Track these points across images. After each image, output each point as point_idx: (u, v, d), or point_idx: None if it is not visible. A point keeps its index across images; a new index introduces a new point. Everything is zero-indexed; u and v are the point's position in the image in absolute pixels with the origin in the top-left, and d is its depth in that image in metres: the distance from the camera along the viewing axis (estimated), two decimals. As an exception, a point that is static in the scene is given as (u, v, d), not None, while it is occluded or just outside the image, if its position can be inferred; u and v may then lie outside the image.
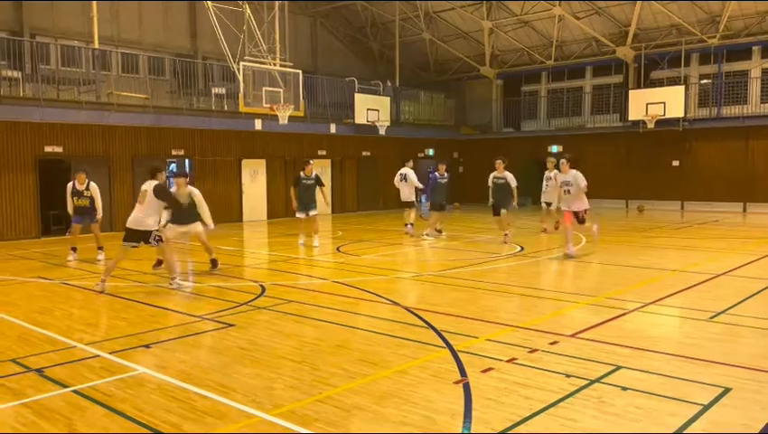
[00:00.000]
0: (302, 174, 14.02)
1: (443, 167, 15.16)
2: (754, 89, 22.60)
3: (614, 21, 23.88)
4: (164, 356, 5.77)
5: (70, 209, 12.05)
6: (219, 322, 7.06)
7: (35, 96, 16.15)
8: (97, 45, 17.13)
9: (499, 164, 13.99)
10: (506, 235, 13.82)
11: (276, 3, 18.10)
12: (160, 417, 4.33)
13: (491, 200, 14.19)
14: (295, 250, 13.47)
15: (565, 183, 11.68)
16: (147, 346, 6.09)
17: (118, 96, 17.37)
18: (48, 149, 16.36)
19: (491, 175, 14.18)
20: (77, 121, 16.54)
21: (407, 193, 15.58)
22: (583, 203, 11.70)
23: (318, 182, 14.11)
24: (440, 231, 15.28)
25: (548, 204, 15.53)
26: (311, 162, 14.35)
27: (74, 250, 12.09)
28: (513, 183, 13.89)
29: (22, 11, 18.88)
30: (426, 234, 14.78)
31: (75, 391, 4.84)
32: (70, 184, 12.02)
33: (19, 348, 6.13)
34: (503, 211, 13.93)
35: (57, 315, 7.64)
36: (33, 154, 16.11)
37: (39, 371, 5.36)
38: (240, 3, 17.09)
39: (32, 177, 16.14)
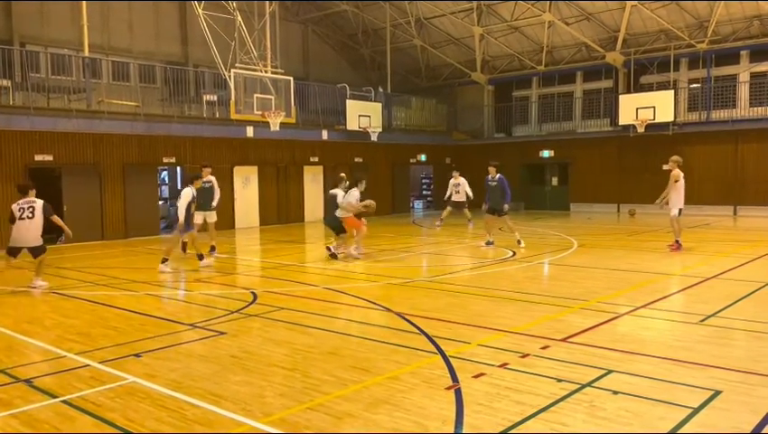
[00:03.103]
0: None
1: (492, 169, 14.30)
2: (743, 92, 22.77)
3: (604, 26, 24.03)
4: (155, 365, 5.74)
5: (189, 220, 11.34)
6: (209, 330, 7.03)
7: (25, 104, 16.08)
8: (87, 53, 17.06)
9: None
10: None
11: (267, 9, 18.12)
12: (150, 426, 4.30)
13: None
14: (287, 258, 13.44)
15: None
16: (137, 355, 6.06)
17: (109, 104, 17.31)
18: (38, 158, 16.26)
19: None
20: (67, 130, 16.46)
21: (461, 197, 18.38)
22: None
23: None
24: (494, 240, 14.46)
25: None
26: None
27: (166, 260, 11.38)
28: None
29: (11, 19, 18.82)
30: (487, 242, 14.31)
31: (64, 401, 4.81)
32: (188, 191, 11.30)
33: (7, 358, 6.08)
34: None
35: (46, 324, 7.59)
36: (24, 162, 16.02)
37: (28, 381, 5.32)
38: (231, 4, 17.07)
39: (23, 186, 16.00)
